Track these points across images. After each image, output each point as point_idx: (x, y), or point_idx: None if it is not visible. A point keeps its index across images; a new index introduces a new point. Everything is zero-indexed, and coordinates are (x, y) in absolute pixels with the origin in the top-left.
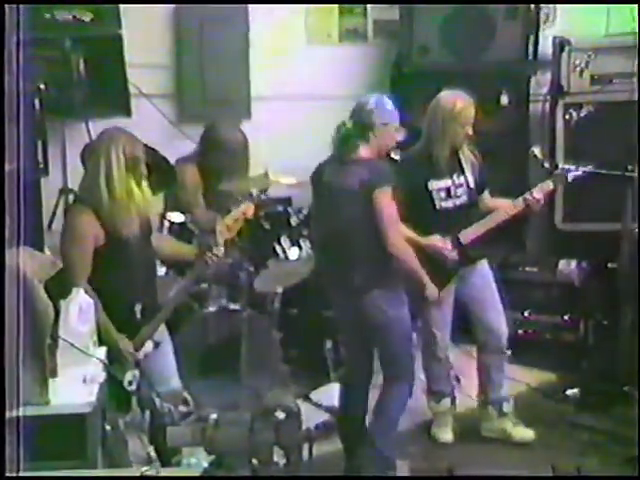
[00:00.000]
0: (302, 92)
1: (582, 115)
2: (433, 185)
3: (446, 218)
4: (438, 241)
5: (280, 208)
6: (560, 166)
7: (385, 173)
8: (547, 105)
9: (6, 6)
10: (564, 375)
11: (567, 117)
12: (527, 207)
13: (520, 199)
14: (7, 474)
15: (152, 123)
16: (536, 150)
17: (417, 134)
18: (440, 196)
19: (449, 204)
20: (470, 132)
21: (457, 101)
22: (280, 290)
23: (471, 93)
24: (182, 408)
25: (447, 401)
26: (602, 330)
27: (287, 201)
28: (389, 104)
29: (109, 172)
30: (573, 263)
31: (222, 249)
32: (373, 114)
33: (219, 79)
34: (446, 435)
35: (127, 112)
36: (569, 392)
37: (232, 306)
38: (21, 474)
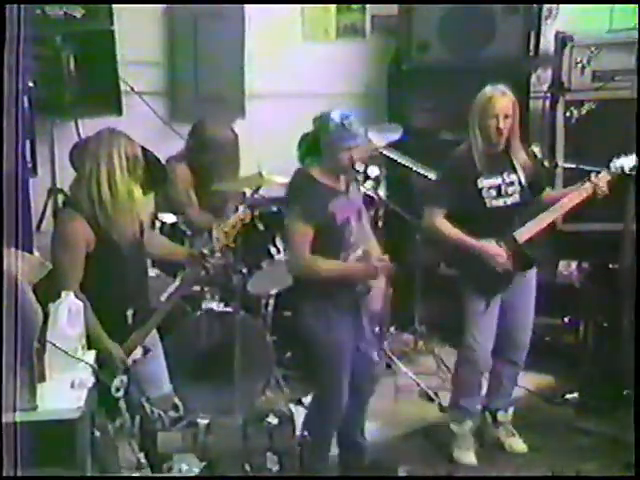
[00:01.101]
0: (298, 90)
1: (583, 113)
2: (482, 183)
3: (497, 217)
4: (493, 247)
5: (274, 208)
6: (560, 164)
7: (291, 199)
8: (547, 102)
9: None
10: (564, 379)
11: (568, 115)
12: (594, 193)
13: (581, 188)
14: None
15: (144, 121)
16: (536, 149)
17: (415, 133)
18: (490, 194)
19: (500, 203)
20: (501, 125)
21: (488, 93)
22: (274, 292)
23: (470, 90)
24: (172, 413)
25: (469, 423)
26: (603, 332)
27: (281, 201)
28: (354, 125)
29: (111, 175)
30: (573, 264)
31: (219, 254)
32: (333, 137)
33: (212, 76)
34: (469, 458)
35: (118, 110)
36: (569, 396)
37: (225, 309)
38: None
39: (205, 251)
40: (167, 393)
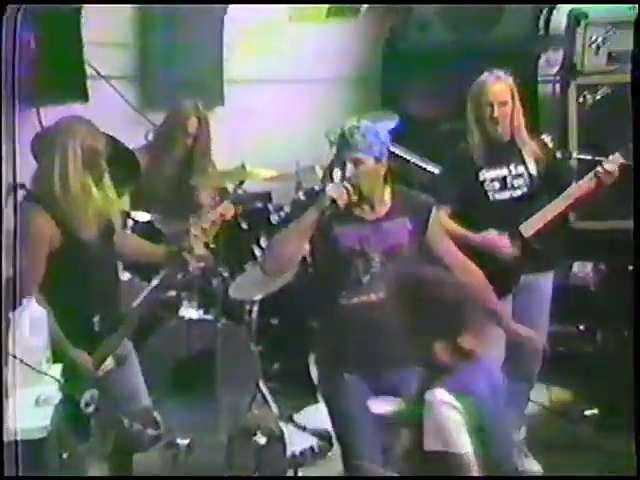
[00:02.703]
0: (283, 75)
1: (598, 98)
2: (485, 175)
3: (501, 211)
4: (493, 237)
5: (259, 205)
6: (574, 155)
7: None
8: (558, 87)
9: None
10: (582, 393)
11: (581, 100)
12: (599, 183)
13: (590, 175)
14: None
15: (112, 108)
16: (547, 138)
17: (412, 122)
18: (494, 187)
19: (505, 196)
20: (496, 113)
21: (484, 78)
22: (259, 298)
23: (474, 74)
24: (151, 431)
25: None
26: (623, 341)
27: (267, 197)
28: (356, 134)
29: (64, 168)
30: (589, 265)
31: (200, 252)
32: (336, 149)
33: (188, 60)
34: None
35: (83, 96)
36: (588, 412)
37: (204, 316)
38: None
39: (185, 249)
40: (146, 406)
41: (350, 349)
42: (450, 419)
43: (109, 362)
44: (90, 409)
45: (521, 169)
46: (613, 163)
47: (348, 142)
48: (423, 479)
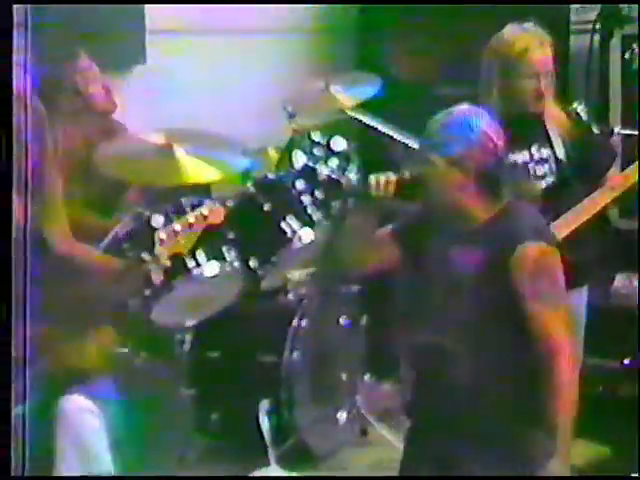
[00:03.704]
0: (224, 25)
1: None
2: None
3: None
4: None
5: (194, 200)
6: (617, 130)
7: None
8: (597, 38)
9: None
10: (625, 449)
11: (627, 57)
12: None
13: (633, 166)
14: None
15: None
16: (579, 107)
17: (398, 87)
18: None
19: None
20: (543, 85)
21: (518, 39)
22: (192, 323)
23: (478, 23)
24: None
25: None
26: None
27: (204, 189)
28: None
29: None
30: (636, 278)
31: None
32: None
33: (98, 6)
34: None
35: None
36: (634, 475)
37: (118, 349)
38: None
39: (146, 257)
40: None
41: None
42: None
43: None
44: None
45: (546, 152)
46: None
47: None
48: (422, 479)
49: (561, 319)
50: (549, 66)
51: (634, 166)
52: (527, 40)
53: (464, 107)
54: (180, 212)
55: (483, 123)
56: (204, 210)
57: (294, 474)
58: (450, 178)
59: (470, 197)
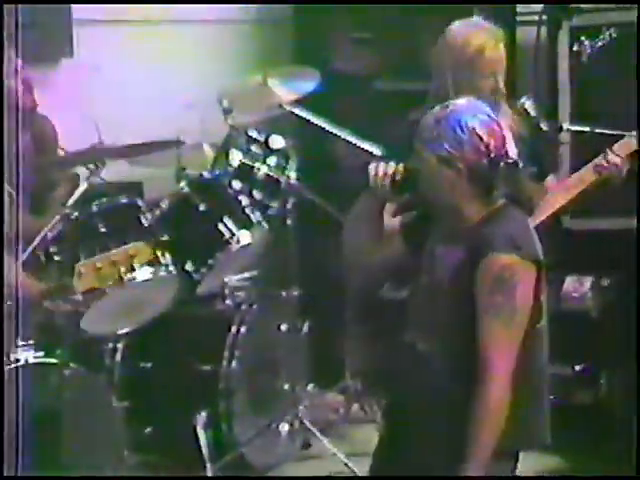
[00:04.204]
0: (150, 14)
1: (599, 45)
2: None
3: None
4: None
5: (124, 199)
6: (565, 127)
7: None
8: (544, 30)
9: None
10: (579, 459)
11: (577, 48)
12: (600, 178)
13: (588, 167)
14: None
15: None
16: (527, 103)
17: (339, 81)
18: None
19: None
20: (500, 84)
21: (474, 37)
22: (124, 331)
23: (426, 13)
24: None
25: None
26: (636, 386)
27: (136, 188)
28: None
29: None
30: (588, 281)
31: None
32: None
33: None
34: None
35: None
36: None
37: (46, 359)
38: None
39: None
40: None
41: None
42: None
43: None
44: None
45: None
46: (622, 151)
47: None
48: (420, 479)
49: (508, 339)
50: (504, 65)
51: (590, 166)
52: (483, 38)
53: (461, 101)
54: (104, 249)
55: (476, 122)
56: (130, 250)
57: None
58: (441, 176)
59: (462, 196)
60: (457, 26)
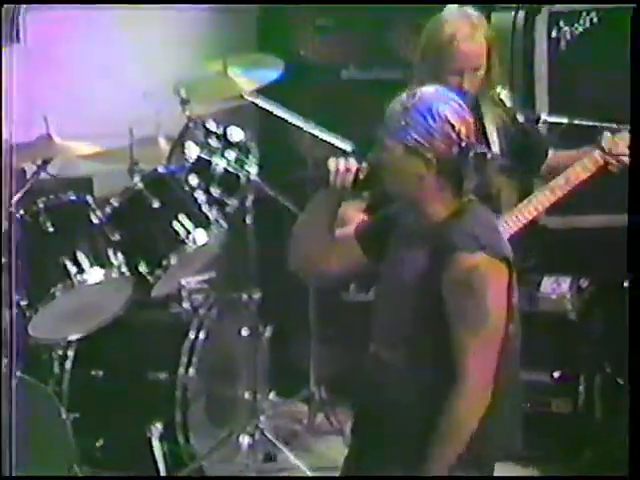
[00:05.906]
0: None
1: (580, 31)
2: None
3: None
4: None
5: (73, 197)
6: (543, 118)
7: None
8: (521, 16)
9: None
10: (555, 470)
11: (555, 35)
12: (604, 168)
13: (595, 154)
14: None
15: None
16: (502, 92)
17: (303, 70)
18: None
19: None
20: (471, 83)
21: (447, 23)
22: (74, 337)
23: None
24: None
25: None
26: (616, 394)
27: (85, 184)
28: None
29: None
30: (566, 282)
31: None
32: None
33: None
34: None
35: None
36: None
37: None
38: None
39: None
40: None
41: None
42: None
43: None
44: None
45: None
46: (621, 143)
47: None
48: (424, 479)
49: (481, 346)
50: (477, 61)
51: (577, 166)
52: (455, 27)
53: (431, 89)
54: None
55: (448, 109)
56: None
57: None
58: (408, 167)
59: (429, 190)
60: (440, 14)
